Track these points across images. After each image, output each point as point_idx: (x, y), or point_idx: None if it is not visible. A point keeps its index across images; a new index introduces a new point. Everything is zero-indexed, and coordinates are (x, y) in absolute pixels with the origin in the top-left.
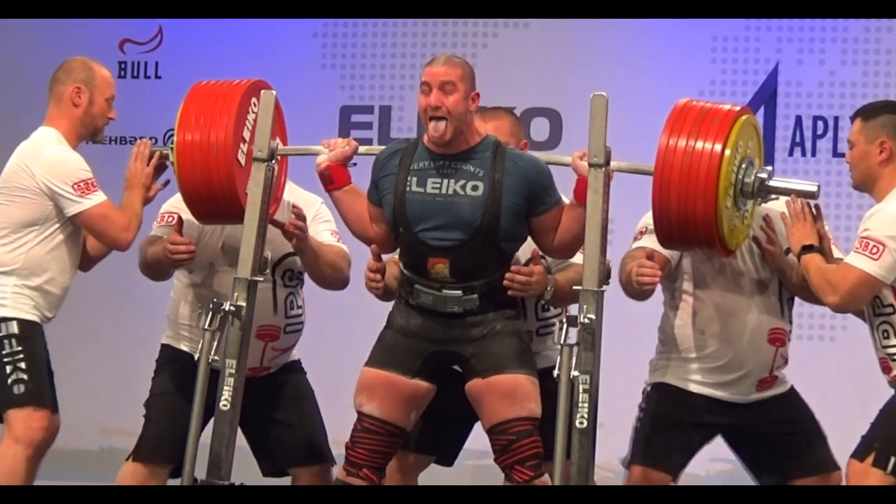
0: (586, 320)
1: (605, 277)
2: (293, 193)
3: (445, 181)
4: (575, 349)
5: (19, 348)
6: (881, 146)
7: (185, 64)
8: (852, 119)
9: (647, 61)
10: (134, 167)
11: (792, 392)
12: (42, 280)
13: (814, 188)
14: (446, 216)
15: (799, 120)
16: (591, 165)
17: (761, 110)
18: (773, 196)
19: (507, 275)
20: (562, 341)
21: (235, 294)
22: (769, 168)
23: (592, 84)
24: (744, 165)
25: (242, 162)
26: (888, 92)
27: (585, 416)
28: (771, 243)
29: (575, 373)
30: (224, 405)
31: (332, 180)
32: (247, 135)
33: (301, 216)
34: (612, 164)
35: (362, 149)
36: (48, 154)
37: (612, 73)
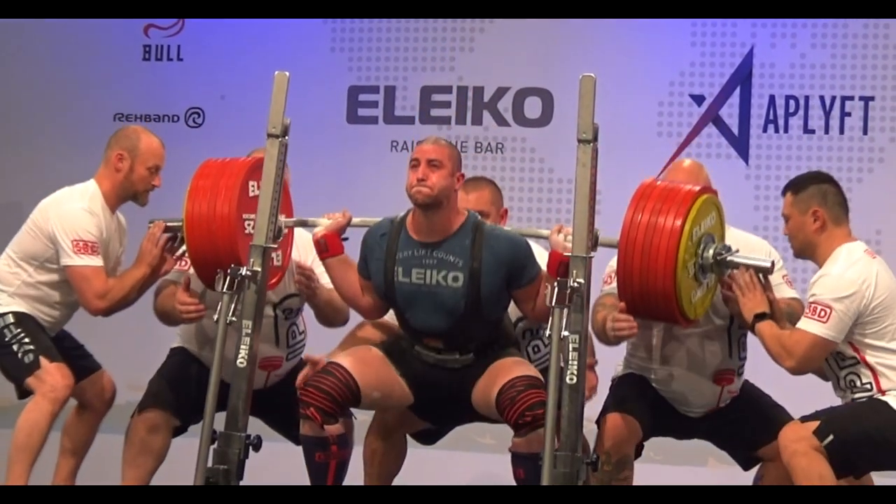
0: (576, 284)
1: (593, 245)
2: (295, 234)
3: (428, 271)
4: (565, 311)
5: (19, 330)
6: (814, 215)
7: (205, 47)
8: (783, 193)
9: (632, 45)
10: (145, 246)
11: (742, 390)
12: (31, 308)
13: (767, 264)
14: (432, 304)
15: (772, 99)
16: (580, 141)
17: (738, 90)
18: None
19: None
20: (552, 303)
21: (252, 260)
22: (728, 244)
23: (581, 66)
24: (703, 242)
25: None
26: (854, 73)
27: (575, 372)
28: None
29: (565, 333)
30: (241, 363)
31: (327, 248)
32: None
33: (307, 275)
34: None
35: (355, 220)
36: (67, 207)
37: (599, 55)
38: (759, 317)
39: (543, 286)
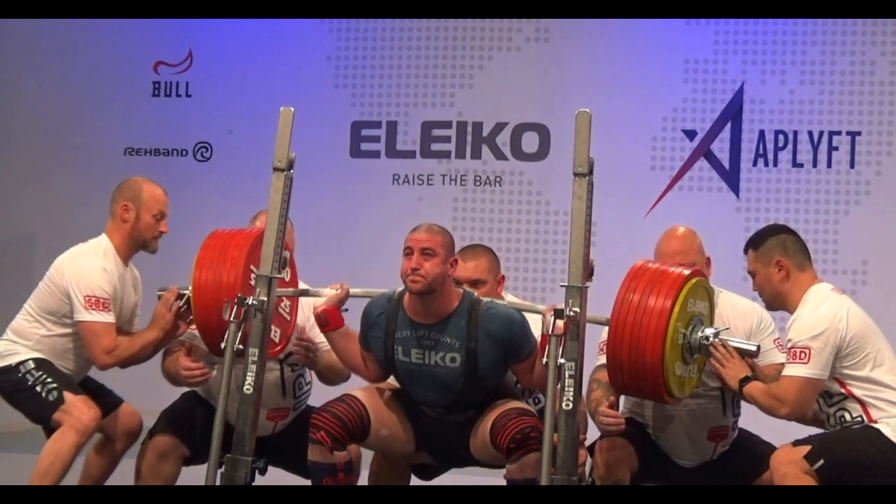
0: (572, 313)
1: (588, 275)
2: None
3: (427, 352)
4: (561, 339)
5: (40, 373)
6: (777, 265)
7: (212, 84)
8: (745, 251)
9: (626, 82)
10: (158, 311)
11: (735, 440)
12: (50, 360)
13: (754, 347)
14: (432, 382)
15: (762, 134)
16: (576, 175)
17: (728, 125)
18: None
19: None
20: (550, 332)
21: (258, 290)
22: (716, 326)
23: (577, 102)
24: (692, 323)
25: None
26: (842, 108)
27: (571, 398)
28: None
29: (561, 360)
30: (247, 389)
31: (327, 322)
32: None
33: (305, 346)
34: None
35: (355, 290)
36: (81, 263)
37: (595, 91)
38: (744, 381)
39: (539, 360)
